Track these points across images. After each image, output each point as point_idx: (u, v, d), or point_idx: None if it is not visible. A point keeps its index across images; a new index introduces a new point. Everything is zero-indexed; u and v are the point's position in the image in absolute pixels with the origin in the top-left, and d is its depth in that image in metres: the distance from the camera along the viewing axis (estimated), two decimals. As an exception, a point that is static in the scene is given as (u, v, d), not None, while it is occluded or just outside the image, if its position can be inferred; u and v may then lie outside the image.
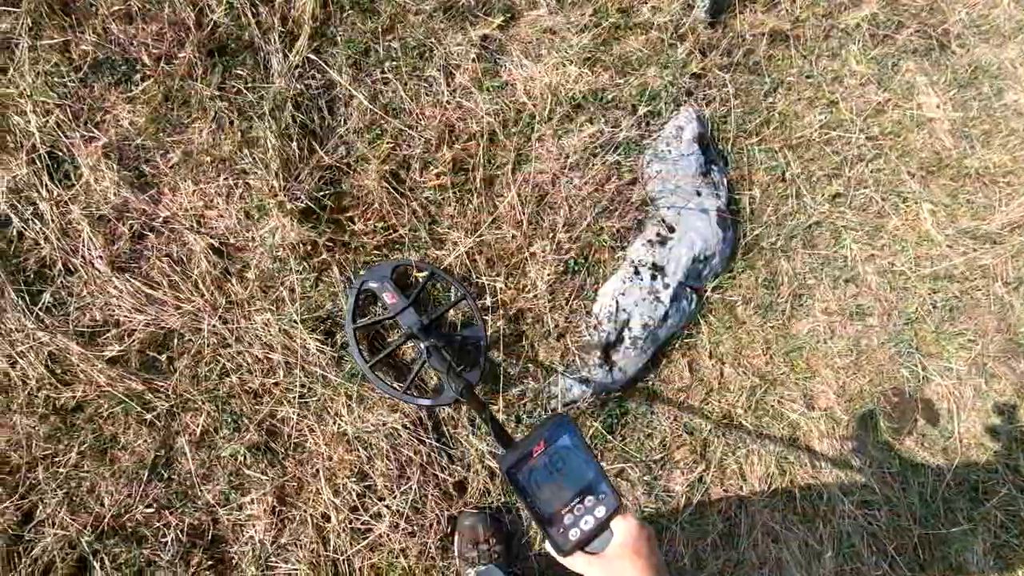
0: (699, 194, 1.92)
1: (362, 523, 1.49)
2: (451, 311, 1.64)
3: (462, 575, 1.50)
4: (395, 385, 1.52)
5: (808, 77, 2.29)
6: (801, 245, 2.14)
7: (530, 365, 1.67)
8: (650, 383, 1.82)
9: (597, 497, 0.75)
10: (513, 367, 1.65)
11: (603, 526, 0.74)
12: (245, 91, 1.61)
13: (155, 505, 1.39)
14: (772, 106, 2.20)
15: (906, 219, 2.30)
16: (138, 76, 1.57)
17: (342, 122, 1.70)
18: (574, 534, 0.73)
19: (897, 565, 1.86)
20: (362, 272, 1.58)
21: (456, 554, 1.52)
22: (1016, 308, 2.30)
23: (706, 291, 1.94)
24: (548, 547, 0.75)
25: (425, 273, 1.61)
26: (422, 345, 1.43)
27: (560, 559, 0.75)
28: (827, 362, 2.03)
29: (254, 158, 1.58)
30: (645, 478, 1.74)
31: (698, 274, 1.89)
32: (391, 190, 1.66)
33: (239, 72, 1.62)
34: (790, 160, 2.18)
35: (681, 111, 1.99)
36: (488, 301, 1.65)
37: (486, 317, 1.65)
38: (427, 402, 1.50)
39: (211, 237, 1.54)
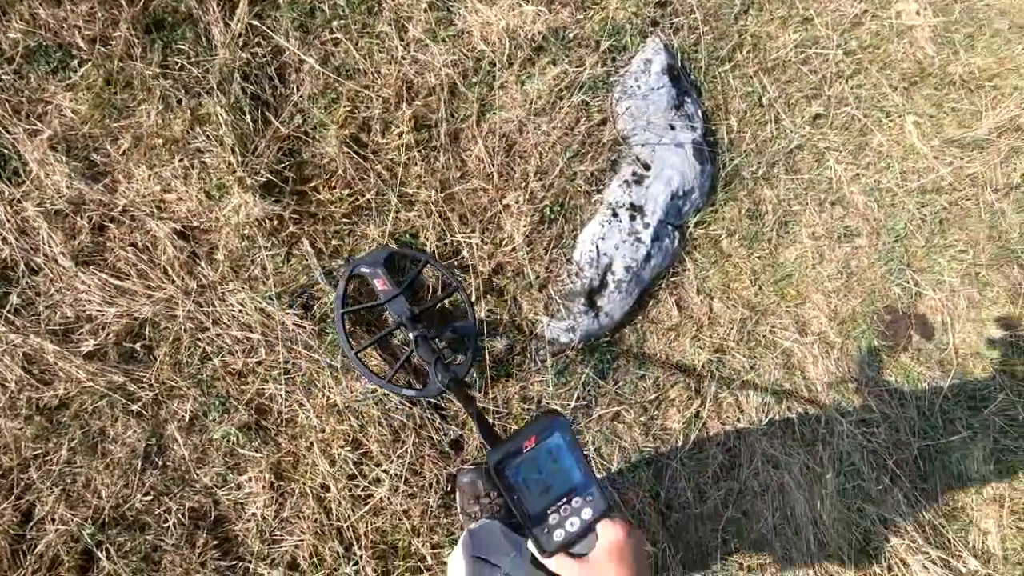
0: (673, 128, 1.86)
1: (362, 490, 1.50)
2: (444, 303, 1.61)
3: (465, 528, 1.52)
4: (381, 374, 1.49)
5: (779, -6, 2.20)
6: (783, 171, 2.09)
7: (515, 319, 1.65)
8: (638, 325, 1.81)
9: (584, 498, 0.73)
10: (497, 323, 1.64)
11: (589, 528, 0.72)
12: (189, 66, 1.54)
13: (153, 492, 1.40)
14: (744, 29, 2.12)
15: (890, 134, 2.24)
16: (75, 62, 1.50)
17: (295, 89, 1.63)
18: (559, 535, 0.71)
19: (898, 479, 1.88)
20: (357, 256, 1.54)
21: (459, 510, 1.54)
22: (1007, 214, 2.26)
23: (688, 227, 1.90)
24: (531, 546, 0.73)
25: (420, 262, 1.56)
26: (410, 334, 1.40)
27: (543, 559, 0.73)
28: (817, 287, 2.01)
29: (207, 136, 1.53)
30: (641, 419, 1.74)
31: (678, 211, 1.85)
32: (354, 155, 1.61)
33: (180, 47, 1.55)
34: (766, 84, 2.11)
35: (648, 43, 1.92)
36: (468, 257, 1.62)
37: (464, 275, 1.63)
38: (411, 393, 1.46)
39: (174, 221, 1.50)
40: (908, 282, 2.10)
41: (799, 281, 2.00)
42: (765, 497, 1.78)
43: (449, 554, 1.42)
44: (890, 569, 1.78)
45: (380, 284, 1.50)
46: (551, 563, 0.72)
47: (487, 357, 1.60)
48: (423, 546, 1.49)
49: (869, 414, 1.93)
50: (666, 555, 1.66)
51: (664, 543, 1.67)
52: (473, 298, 1.61)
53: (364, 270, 1.52)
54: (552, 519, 0.72)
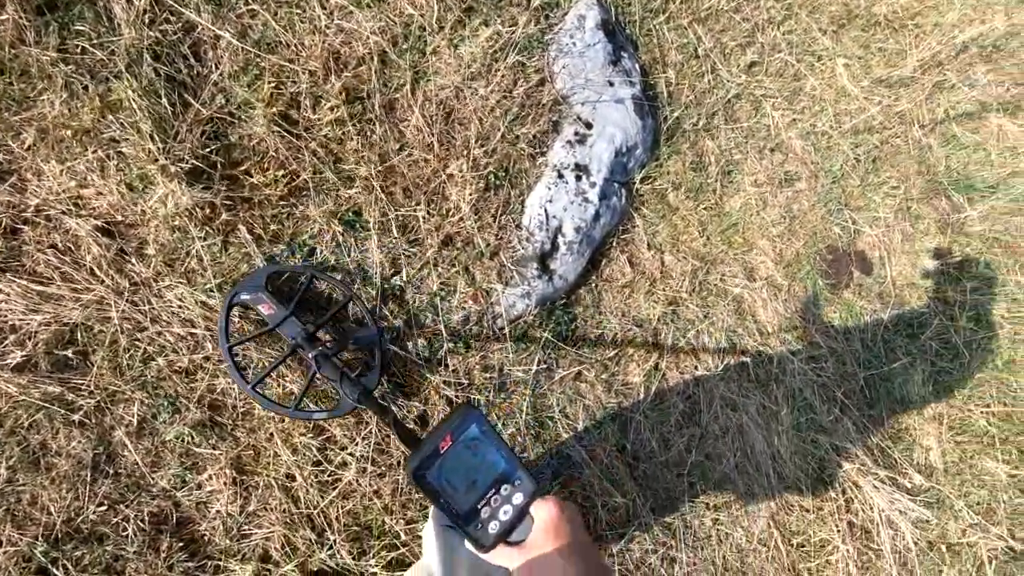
0: (612, 84, 1.84)
1: (329, 475, 1.48)
2: (341, 313, 1.51)
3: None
4: (285, 403, 1.42)
5: (707, -58, 2.18)
6: (723, 121, 2.11)
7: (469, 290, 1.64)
8: (593, 285, 1.82)
9: (513, 484, 0.71)
10: (451, 296, 1.62)
11: (523, 513, 0.71)
12: (91, 49, 1.43)
13: (107, 502, 1.34)
14: (675, -21, 2.10)
15: (822, 78, 2.29)
16: (-41, 51, 1.37)
17: (213, 68, 1.54)
18: (494, 527, 0.70)
19: (847, 408, 1.99)
20: (233, 286, 1.43)
21: (430, 484, 1.54)
22: (934, 148, 2.36)
23: (634, 184, 1.91)
24: (469, 545, 0.71)
25: (303, 277, 1.46)
26: (309, 356, 1.32)
27: (482, 556, 0.71)
28: (762, 233, 2.07)
29: (121, 123, 1.42)
30: (603, 376, 1.77)
31: (623, 168, 1.85)
32: (284, 134, 1.54)
33: (79, 28, 1.43)
34: (701, 35, 2.11)
35: (580, -2, 1.88)
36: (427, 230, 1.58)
37: (415, 250, 1.59)
38: (323, 415, 1.38)
39: (95, 218, 1.40)
40: (847, 221, 2.18)
41: (745, 228, 2.05)
42: (726, 439, 1.85)
43: (423, 528, 1.42)
44: (844, 492, 1.89)
45: (266, 309, 1.39)
46: (490, 557, 0.71)
47: (443, 331, 1.58)
48: (397, 523, 1.49)
49: (817, 350, 2.02)
50: (636, 504, 1.72)
51: (633, 493, 1.72)
52: (426, 271, 1.58)
53: (245, 297, 1.40)
54: (484, 512, 0.71)
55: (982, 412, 2.09)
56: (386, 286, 1.58)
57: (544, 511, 0.70)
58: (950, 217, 2.30)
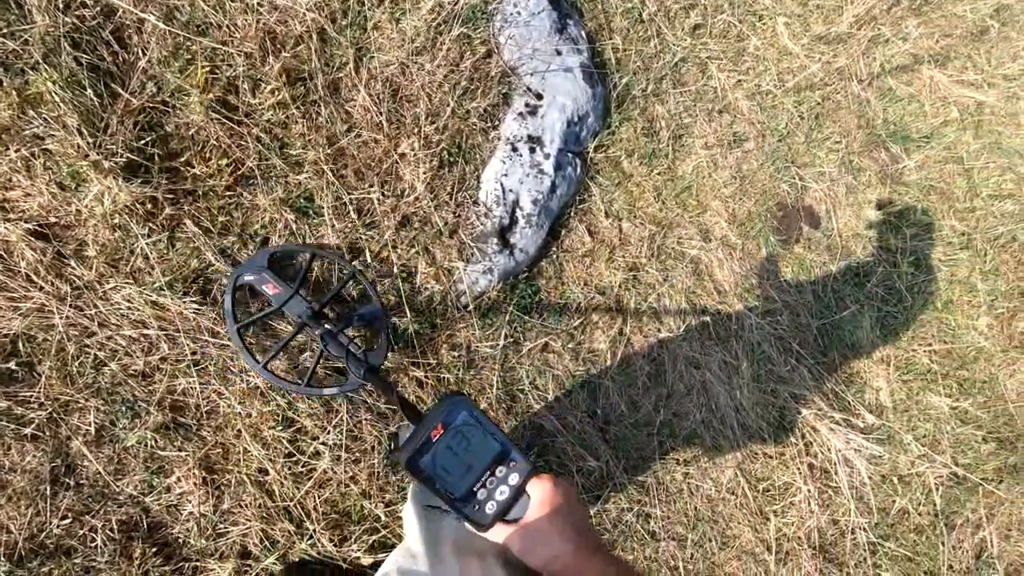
0: (559, 53, 1.83)
1: (302, 466, 1.47)
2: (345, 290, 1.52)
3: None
4: (294, 379, 1.42)
5: (646, -97, 2.17)
6: (671, 85, 2.13)
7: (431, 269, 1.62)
8: (554, 256, 1.84)
9: (508, 465, 0.73)
10: (413, 278, 1.60)
11: (519, 492, 0.73)
12: (1, 40, 1.33)
13: (71, 515, 1.30)
14: (615, -57, 2.08)
15: (764, 37, 2.33)
16: None
17: (140, 54, 1.45)
18: (491, 507, 0.72)
19: (802, 357, 2.08)
20: (235, 267, 1.42)
21: (406, 466, 1.54)
22: (872, 102, 2.45)
23: (588, 153, 1.91)
24: (468, 526, 0.73)
25: (307, 255, 1.46)
26: (316, 333, 1.33)
27: (481, 534, 0.73)
28: (715, 194, 2.11)
29: (44, 118, 1.34)
30: (569, 345, 1.80)
31: (576, 137, 1.85)
32: (224, 120, 1.48)
33: (-15, 17, 1.33)
34: (645, -1, 2.11)
35: (522, -35, 1.85)
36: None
37: (372, 233, 1.57)
38: (333, 391, 1.40)
39: (25, 221, 1.32)
40: (794, 178, 2.24)
41: (698, 191, 2.09)
42: (691, 396, 1.92)
43: (404, 509, 1.43)
44: (803, 437, 1.99)
45: (270, 289, 1.39)
46: (490, 535, 0.73)
47: (407, 312, 1.57)
48: (376, 507, 1.49)
49: (772, 305, 2.10)
50: (610, 466, 1.77)
51: (606, 456, 1.77)
52: (385, 254, 1.56)
53: (249, 278, 1.40)
54: (480, 494, 0.73)
55: (925, 351, 2.23)
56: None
57: (540, 488, 0.72)
58: (889, 168, 2.40)
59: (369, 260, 1.56)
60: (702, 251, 2.04)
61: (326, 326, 1.34)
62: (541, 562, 0.68)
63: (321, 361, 1.44)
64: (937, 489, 2.06)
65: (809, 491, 1.93)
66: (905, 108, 2.48)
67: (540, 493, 0.72)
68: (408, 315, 1.57)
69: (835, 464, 1.98)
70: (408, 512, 1.24)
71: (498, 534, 0.73)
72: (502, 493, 0.73)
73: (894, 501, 2.03)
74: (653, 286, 1.95)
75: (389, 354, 1.53)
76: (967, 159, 2.49)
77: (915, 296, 2.28)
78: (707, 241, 2.06)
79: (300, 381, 1.40)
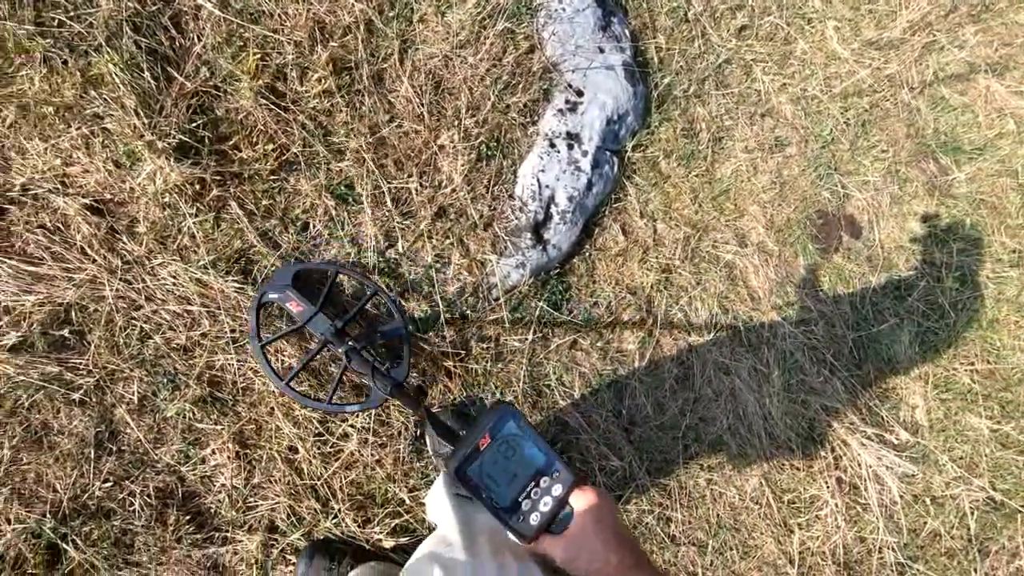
0: (602, 51, 1.83)
1: (331, 447, 1.50)
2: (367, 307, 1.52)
3: (440, 468, 1.56)
4: (318, 397, 1.44)
5: (697, -99, 2.14)
6: (714, 87, 2.10)
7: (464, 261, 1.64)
8: (587, 254, 1.83)
9: (552, 476, 0.74)
10: (446, 268, 1.62)
11: (562, 503, 0.73)
12: (69, 22, 1.39)
13: (112, 478, 1.36)
14: (664, -59, 2.06)
15: (812, 41, 2.28)
16: (-68, 26, 1.33)
17: (195, 39, 1.50)
18: (535, 518, 0.72)
19: (836, 369, 2.03)
20: (261, 285, 1.44)
21: (430, 452, 1.57)
22: (922, 111, 2.37)
23: (626, 152, 1.90)
24: (512, 536, 0.74)
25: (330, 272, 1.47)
26: (339, 350, 1.33)
27: (525, 545, 0.74)
28: (753, 199, 2.08)
29: (105, 98, 1.40)
30: (598, 344, 1.79)
31: (615, 135, 1.84)
32: (272, 106, 1.52)
33: (55, 0, 1.39)
34: (691, -2, 2.09)
35: (568, -38, 1.84)
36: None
37: (408, 222, 1.59)
38: (355, 408, 1.41)
39: (83, 196, 1.39)
40: (836, 185, 2.19)
41: (736, 195, 2.06)
42: (719, 402, 1.89)
43: (426, 496, 1.45)
44: (833, 450, 1.95)
45: (294, 306, 1.40)
46: (534, 547, 0.73)
47: (439, 303, 1.59)
48: (400, 491, 1.52)
49: (808, 314, 2.05)
50: (633, 467, 1.76)
51: (630, 456, 1.76)
52: (420, 244, 1.58)
53: (273, 296, 1.41)
54: (525, 505, 0.73)
55: (967, 370, 2.15)
56: (380, 259, 1.58)
57: (583, 500, 0.73)
58: (938, 180, 2.32)
59: (402, 249, 1.59)
60: (737, 256, 2.01)
61: (349, 343, 1.34)
62: (585, 573, 0.69)
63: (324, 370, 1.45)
64: (972, 513, 1.99)
65: (836, 506, 1.89)
66: (958, 118, 2.39)
67: (584, 504, 0.72)
68: (440, 305, 1.58)
69: (865, 480, 1.93)
70: (438, 500, 1.25)
71: (543, 547, 0.73)
72: (546, 504, 0.73)
73: (926, 522, 1.96)
74: (685, 289, 1.93)
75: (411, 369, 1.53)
76: (1022, 173, 2.39)
77: (959, 313, 2.20)
78: (743, 246, 2.03)
79: (323, 399, 1.40)
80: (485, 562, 0.86)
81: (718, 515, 1.82)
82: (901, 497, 1.94)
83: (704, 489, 1.82)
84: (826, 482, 1.91)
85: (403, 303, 1.57)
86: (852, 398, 2.02)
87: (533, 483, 0.74)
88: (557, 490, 0.73)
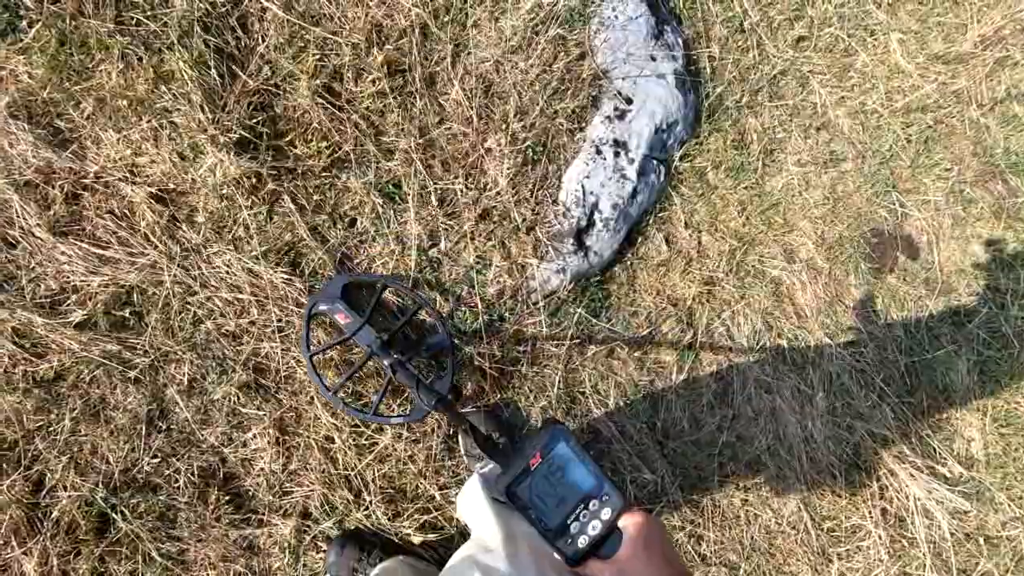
0: (654, 59, 1.81)
1: (366, 439, 1.53)
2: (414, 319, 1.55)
3: (472, 470, 1.57)
4: (363, 407, 1.47)
5: (758, -90, 2.10)
6: (767, 98, 2.05)
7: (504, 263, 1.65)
8: (628, 262, 1.81)
9: (601, 499, 0.73)
10: (487, 270, 1.64)
11: (611, 527, 0.72)
12: (146, 21, 1.47)
13: (160, 455, 1.42)
14: (722, -51, 2.04)
15: (875, 54, 2.20)
16: (24, 23, 1.43)
17: (260, 39, 1.57)
18: (583, 541, 0.72)
19: (886, 395, 1.94)
20: (312, 296, 1.48)
21: (462, 453, 1.58)
22: (991, 129, 2.25)
23: (673, 161, 1.88)
24: (559, 558, 0.73)
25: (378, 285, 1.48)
26: (384, 363, 1.35)
27: (573, 570, 0.73)
28: (804, 214, 2.02)
29: (174, 94, 1.47)
30: (635, 354, 1.77)
31: (663, 144, 1.82)
32: (327, 105, 1.57)
33: (134, 0, 1.48)
34: (747, 8, 2.05)
35: (624, -31, 1.84)
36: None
37: (452, 223, 1.62)
38: (399, 419, 1.42)
39: (149, 185, 1.46)
40: (894, 203, 2.10)
41: (786, 209, 2.00)
42: (758, 421, 1.84)
43: (457, 495, 1.46)
44: (879, 479, 1.86)
45: (342, 318, 1.43)
46: (581, 571, 0.72)
47: (479, 304, 1.60)
48: (430, 488, 1.54)
49: (857, 335, 1.97)
50: (665, 481, 1.73)
51: (662, 470, 1.73)
52: (463, 244, 1.60)
53: (323, 307, 1.44)
54: (573, 527, 0.72)
55: (1030, 404, 2.02)
56: (423, 258, 1.60)
57: (632, 525, 0.71)
58: (1006, 201, 2.19)
59: (445, 249, 1.61)
60: (784, 272, 1.95)
61: (395, 356, 1.35)
62: None
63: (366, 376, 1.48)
64: (1030, 557, 1.86)
65: (880, 538, 1.80)
66: (1031, 138, 2.26)
67: (633, 529, 0.71)
68: (479, 306, 1.60)
69: (912, 513, 1.83)
70: (473, 502, 1.24)
71: (591, 571, 0.72)
72: (594, 528, 0.72)
73: (977, 563, 1.85)
74: (728, 303, 1.88)
75: (455, 382, 1.53)
76: (1101, 198, 2.24)
77: (1023, 343, 2.07)
78: (791, 262, 1.97)
79: (367, 410, 1.42)
80: (526, 573, 0.85)
81: (752, 537, 1.76)
82: (952, 534, 1.84)
83: (739, 509, 1.77)
84: (870, 512, 1.83)
85: (444, 314, 1.59)
86: (902, 426, 1.92)
87: (582, 505, 0.73)
88: (606, 514, 0.72)
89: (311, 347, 1.42)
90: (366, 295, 1.54)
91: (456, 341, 1.56)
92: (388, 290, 1.58)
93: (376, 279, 1.52)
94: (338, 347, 1.52)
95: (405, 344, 1.53)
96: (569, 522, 0.73)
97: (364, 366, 1.46)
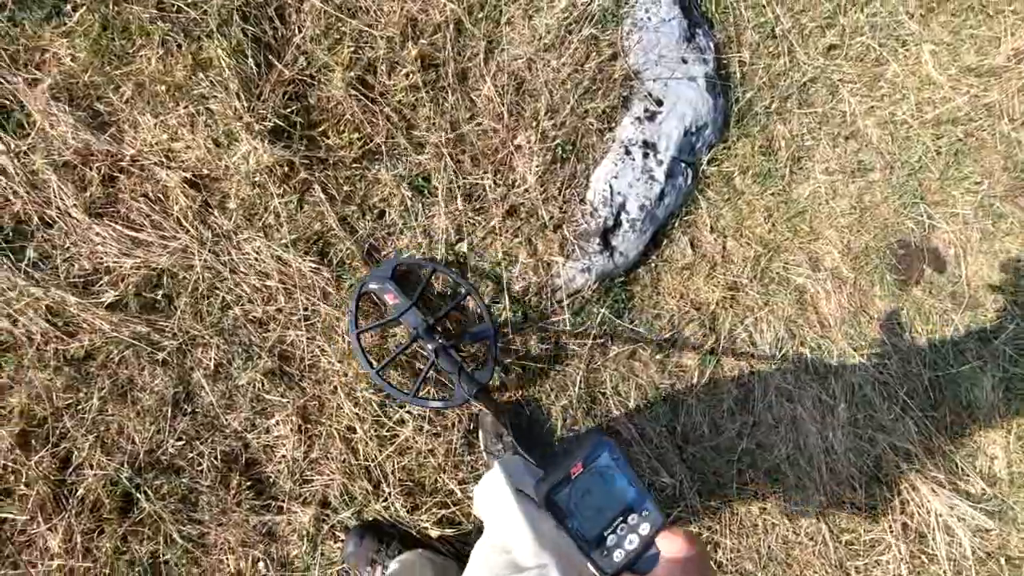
0: (685, 62, 1.81)
1: (387, 430, 1.53)
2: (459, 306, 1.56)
3: (490, 466, 1.56)
4: (404, 388, 1.49)
5: (793, -83, 2.10)
6: (797, 105, 2.04)
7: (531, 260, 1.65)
8: (653, 264, 1.81)
9: (640, 515, 0.71)
10: (513, 266, 1.64)
11: (648, 544, 0.70)
12: (186, 8, 1.49)
13: (185, 438, 1.43)
14: (756, -45, 2.03)
15: (906, 64, 2.18)
16: (69, 7, 1.46)
17: (296, 30, 1.58)
18: (619, 555, 0.69)
19: (909, 408, 1.92)
20: (363, 277, 1.51)
21: (482, 448, 1.57)
22: (1023, 144, 2.22)
23: (701, 165, 1.87)
24: (593, 570, 0.71)
25: (427, 269, 1.53)
26: (428, 347, 1.37)
27: None
28: (830, 223, 2.00)
29: (211, 81, 1.49)
30: (657, 357, 1.76)
31: (691, 147, 1.82)
32: (360, 97, 1.58)
33: (176, -12, 1.50)
34: (779, 14, 2.04)
35: (658, -28, 1.84)
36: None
37: (480, 218, 1.62)
38: (439, 404, 1.45)
39: (184, 171, 1.48)
40: (922, 216, 2.08)
41: (812, 217, 1.99)
42: (779, 429, 1.82)
43: (474, 488, 1.46)
44: (899, 493, 1.84)
45: (391, 298, 1.46)
46: None
47: (505, 299, 1.60)
48: (449, 482, 1.53)
49: (881, 347, 1.95)
50: (683, 486, 1.71)
51: (681, 475, 1.72)
52: (489, 240, 1.60)
53: (373, 286, 1.47)
54: (610, 540, 0.70)
55: (1056, 424, 1.99)
56: (449, 252, 1.61)
57: (673, 545, 0.69)
58: (1036, 217, 2.16)
59: (472, 244, 1.61)
60: (809, 280, 1.93)
61: (439, 340, 1.36)
62: None
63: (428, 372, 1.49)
64: (1053, 580, 1.83)
65: (899, 553, 1.78)
66: (1063, 154, 2.23)
67: (672, 548, 0.68)
68: (505, 302, 1.60)
69: (933, 529, 1.80)
70: (492, 492, 1.23)
71: None
72: (631, 543, 0.70)
73: (999, 583, 1.82)
74: (752, 309, 1.87)
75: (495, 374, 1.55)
76: None
77: (1051, 361, 2.04)
78: (816, 270, 1.95)
79: (408, 391, 1.45)
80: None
81: (769, 547, 1.75)
82: (973, 552, 1.81)
83: (756, 518, 1.76)
84: (890, 526, 1.80)
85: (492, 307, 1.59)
86: (925, 440, 1.90)
87: (621, 519, 0.71)
88: (645, 529, 0.70)
89: (358, 325, 1.43)
90: (412, 282, 1.55)
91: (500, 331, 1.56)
92: (433, 277, 1.59)
93: (427, 263, 1.53)
94: (378, 330, 1.52)
95: (445, 332, 1.54)
96: (606, 534, 0.71)
97: (408, 349, 1.47)
